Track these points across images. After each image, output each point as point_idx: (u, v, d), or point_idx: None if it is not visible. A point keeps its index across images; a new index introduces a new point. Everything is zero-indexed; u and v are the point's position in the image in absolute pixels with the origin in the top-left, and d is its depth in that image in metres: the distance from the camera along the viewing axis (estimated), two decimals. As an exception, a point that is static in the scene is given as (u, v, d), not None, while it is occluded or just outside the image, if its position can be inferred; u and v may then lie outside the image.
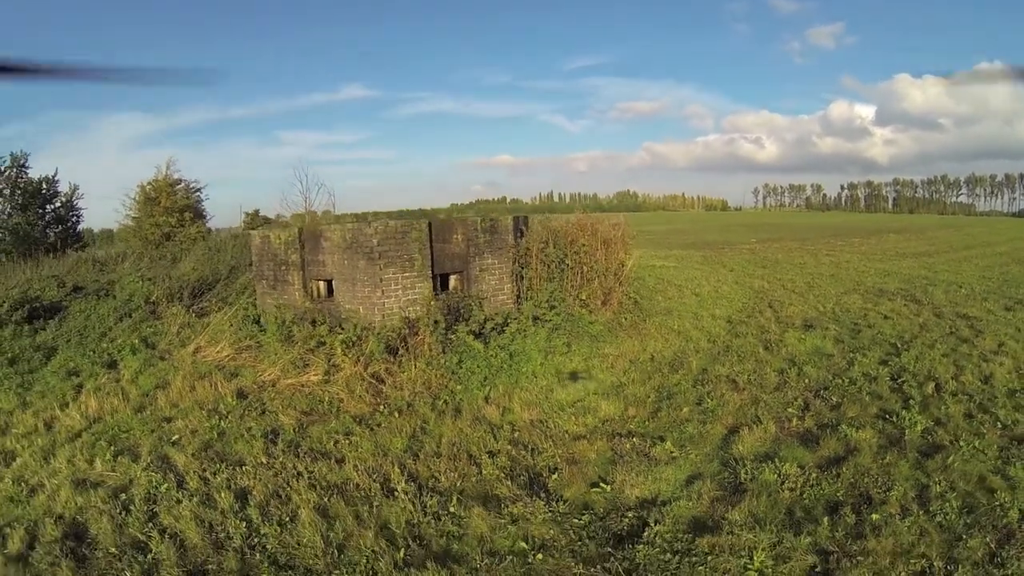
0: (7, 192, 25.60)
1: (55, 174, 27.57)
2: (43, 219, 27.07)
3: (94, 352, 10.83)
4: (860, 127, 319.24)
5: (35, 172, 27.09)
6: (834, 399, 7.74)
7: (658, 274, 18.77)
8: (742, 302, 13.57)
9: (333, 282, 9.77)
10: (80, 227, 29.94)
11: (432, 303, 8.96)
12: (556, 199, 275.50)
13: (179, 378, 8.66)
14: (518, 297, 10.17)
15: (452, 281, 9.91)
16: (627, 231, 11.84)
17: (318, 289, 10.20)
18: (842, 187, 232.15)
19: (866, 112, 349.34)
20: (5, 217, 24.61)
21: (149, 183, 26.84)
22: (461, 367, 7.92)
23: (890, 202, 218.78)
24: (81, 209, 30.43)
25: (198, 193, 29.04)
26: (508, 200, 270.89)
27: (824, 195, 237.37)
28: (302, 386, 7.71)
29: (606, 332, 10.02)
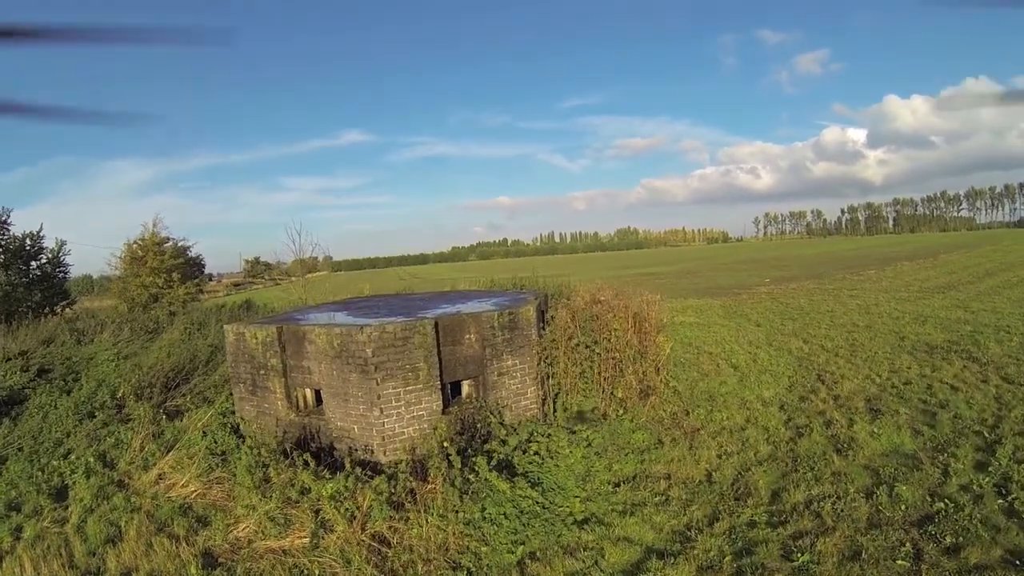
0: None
1: (40, 229, 26.30)
2: (27, 277, 25.70)
3: (43, 473, 9.39)
4: (853, 150, 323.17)
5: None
6: (947, 538, 6.19)
7: (685, 336, 17.33)
8: (788, 375, 12.02)
9: (322, 393, 8.22)
10: (67, 284, 28.62)
11: (442, 424, 7.41)
12: (557, 239, 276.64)
13: (135, 527, 7.11)
14: (544, 400, 8.62)
15: (465, 387, 8.38)
16: (660, 308, 10.29)
17: (304, 398, 8.67)
18: (842, 211, 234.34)
19: (858, 135, 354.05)
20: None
21: (136, 241, 25.54)
22: (484, 518, 6.33)
23: (891, 222, 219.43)
24: (68, 265, 29.16)
25: (189, 249, 27.81)
26: (509, 242, 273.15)
27: (825, 220, 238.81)
28: (284, 552, 6.09)
29: (649, 439, 8.44)
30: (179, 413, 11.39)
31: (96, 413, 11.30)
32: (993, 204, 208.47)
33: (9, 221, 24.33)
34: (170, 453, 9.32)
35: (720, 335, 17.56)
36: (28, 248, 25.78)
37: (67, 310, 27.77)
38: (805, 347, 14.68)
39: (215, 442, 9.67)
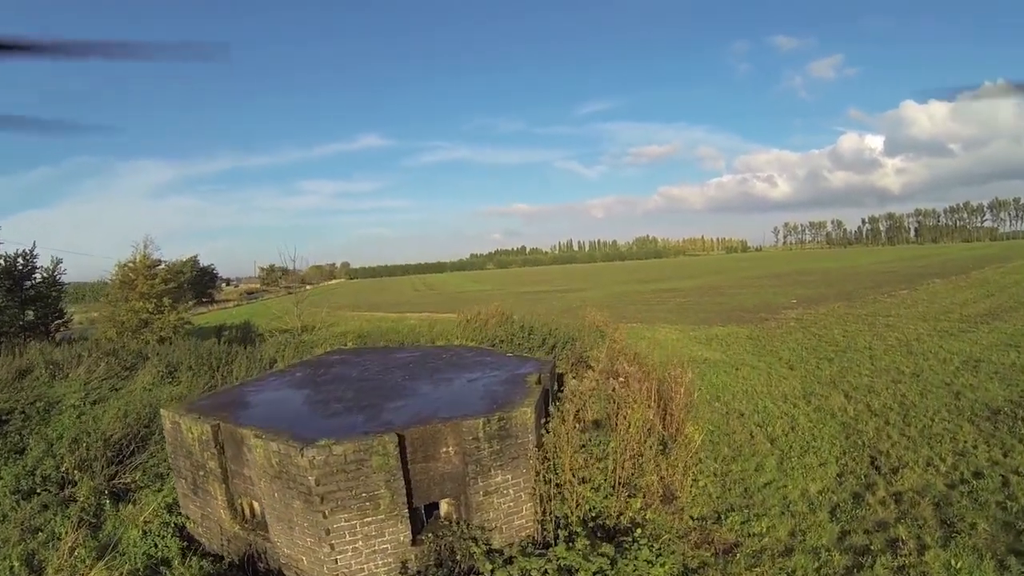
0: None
1: (33, 248, 25.45)
2: (20, 296, 24.70)
3: (-32, 573, 8.00)
4: (870, 159, 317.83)
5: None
6: None
7: (712, 383, 15.69)
8: (835, 456, 10.26)
9: (265, 514, 6.66)
10: (62, 302, 27.63)
11: (411, 557, 5.83)
12: (575, 247, 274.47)
13: None
14: (543, 518, 6.97)
15: (444, 505, 6.76)
16: (691, 385, 8.62)
17: (251, 507, 7.13)
18: (863, 221, 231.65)
19: (875, 143, 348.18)
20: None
21: (127, 263, 24.38)
22: None
23: (912, 232, 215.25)
24: (64, 284, 28.22)
25: (192, 265, 26.70)
26: (527, 249, 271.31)
27: (845, 230, 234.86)
28: None
29: (674, 572, 6.75)
30: (128, 492, 10.01)
31: (38, 490, 10.00)
32: (1017, 215, 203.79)
33: (-1, 242, 23.31)
34: (101, 561, 7.88)
35: (750, 382, 15.82)
36: (20, 268, 24.86)
37: (61, 329, 26.86)
38: (849, 407, 12.87)
39: (155, 546, 8.24)
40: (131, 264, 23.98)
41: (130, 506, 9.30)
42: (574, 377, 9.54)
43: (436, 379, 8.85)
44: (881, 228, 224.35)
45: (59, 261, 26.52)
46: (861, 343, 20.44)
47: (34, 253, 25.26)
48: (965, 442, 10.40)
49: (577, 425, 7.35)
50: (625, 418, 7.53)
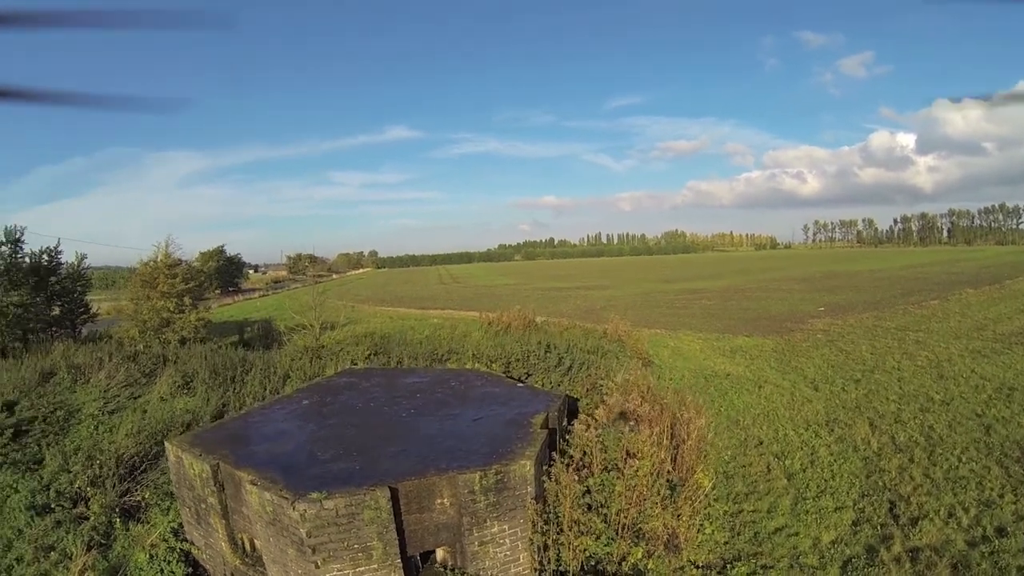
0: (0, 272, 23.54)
1: (57, 245, 25.81)
2: (45, 292, 25.13)
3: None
4: (902, 156, 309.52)
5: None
6: None
7: (732, 404, 15.37)
8: (852, 499, 9.86)
9: (262, 555, 6.61)
10: (88, 296, 28.12)
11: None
12: (604, 240, 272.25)
13: None
14: (541, 567, 6.80)
15: (439, 553, 6.64)
16: (703, 429, 8.35)
17: (250, 543, 7.09)
18: (895, 220, 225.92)
19: (907, 140, 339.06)
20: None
21: (148, 262, 24.71)
22: None
23: (945, 233, 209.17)
24: (89, 278, 28.74)
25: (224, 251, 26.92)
26: (556, 241, 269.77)
27: (876, 229, 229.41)
28: None
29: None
30: (138, 509, 10.09)
31: (52, 505, 10.15)
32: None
33: (23, 239, 23.73)
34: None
35: (772, 403, 15.43)
36: (46, 264, 25.29)
37: (87, 323, 27.32)
38: (873, 439, 12.42)
39: (161, 571, 8.30)
40: (151, 263, 24.25)
41: (139, 526, 9.38)
42: (586, 413, 9.33)
43: (441, 415, 8.71)
44: (913, 228, 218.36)
45: (84, 256, 26.96)
46: (890, 363, 19.81)
47: (58, 249, 25.62)
48: (991, 489, 9.93)
49: (578, 475, 7.16)
50: (633, 466, 7.31)
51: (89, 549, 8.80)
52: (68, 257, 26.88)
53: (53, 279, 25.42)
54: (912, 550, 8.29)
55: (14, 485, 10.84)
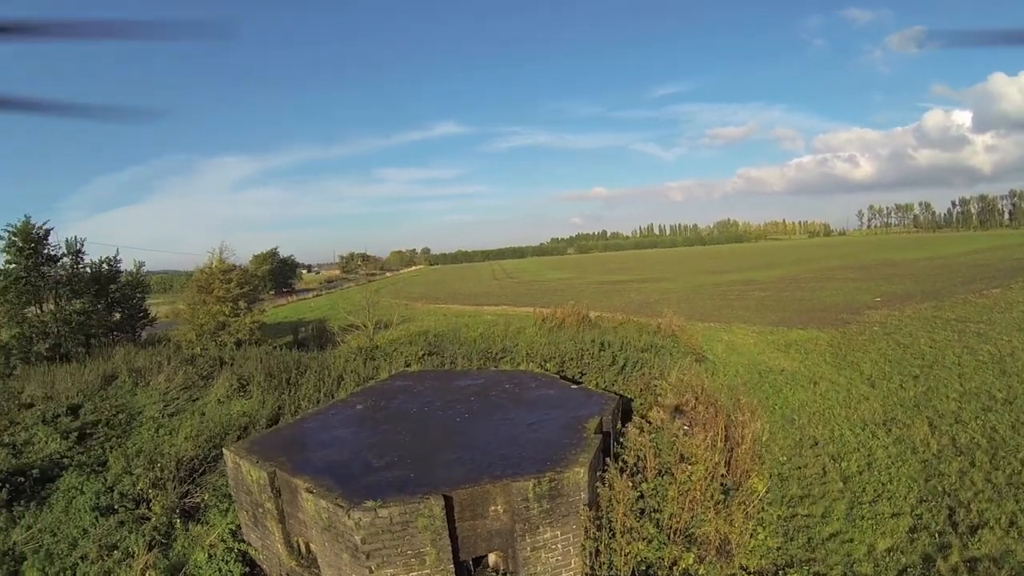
0: (63, 282, 24.72)
1: (116, 254, 26.94)
2: (105, 300, 26.28)
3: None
4: (958, 135, 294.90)
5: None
6: None
7: (787, 400, 15.05)
8: (910, 504, 9.51)
9: (317, 558, 6.80)
10: (147, 301, 29.30)
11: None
12: (656, 231, 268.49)
13: None
14: (592, 572, 6.80)
15: (492, 558, 6.72)
16: (758, 432, 8.19)
17: (306, 546, 7.30)
18: (952, 203, 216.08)
19: (962, 118, 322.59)
20: (55, 310, 23.52)
21: (203, 269, 25.64)
22: None
23: (1006, 215, 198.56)
24: (148, 285, 30.01)
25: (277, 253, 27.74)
26: (608, 234, 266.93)
27: (933, 212, 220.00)
28: None
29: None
30: (198, 510, 10.50)
31: (116, 506, 10.66)
32: None
33: (83, 250, 24.85)
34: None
35: (828, 401, 15.00)
36: (106, 271, 26.44)
37: (146, 327, 28.51)
38: (932, 440, 11.95)
39: (220, 571, 8.62)
40: (207, 269, 25.08)
41: (198, 526, 9.76)
42: (639, 415, 9.26)
43: (495, 419, 8.79)
44: (972, 211, 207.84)
45: (142, 264, 28.07)
46: (950, 357, 18.97)
47: (117, 258, 26.78)
48: (1058, 496, 9.44)
49: (632, 480, 7.12)
50: (686, 471, 7.24)
51: (151, 548, 9.22)
52: (127, 264, 28.28)
53: (113, 286, 26.62)
54: (970, 560, 7.96)
55: (80, 487, 11.42)
